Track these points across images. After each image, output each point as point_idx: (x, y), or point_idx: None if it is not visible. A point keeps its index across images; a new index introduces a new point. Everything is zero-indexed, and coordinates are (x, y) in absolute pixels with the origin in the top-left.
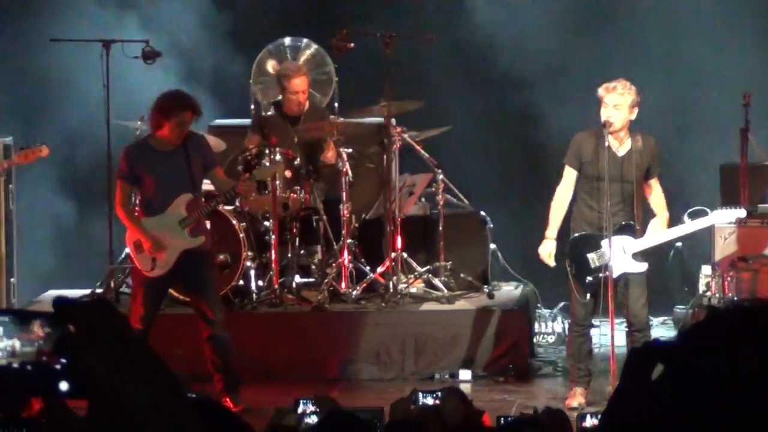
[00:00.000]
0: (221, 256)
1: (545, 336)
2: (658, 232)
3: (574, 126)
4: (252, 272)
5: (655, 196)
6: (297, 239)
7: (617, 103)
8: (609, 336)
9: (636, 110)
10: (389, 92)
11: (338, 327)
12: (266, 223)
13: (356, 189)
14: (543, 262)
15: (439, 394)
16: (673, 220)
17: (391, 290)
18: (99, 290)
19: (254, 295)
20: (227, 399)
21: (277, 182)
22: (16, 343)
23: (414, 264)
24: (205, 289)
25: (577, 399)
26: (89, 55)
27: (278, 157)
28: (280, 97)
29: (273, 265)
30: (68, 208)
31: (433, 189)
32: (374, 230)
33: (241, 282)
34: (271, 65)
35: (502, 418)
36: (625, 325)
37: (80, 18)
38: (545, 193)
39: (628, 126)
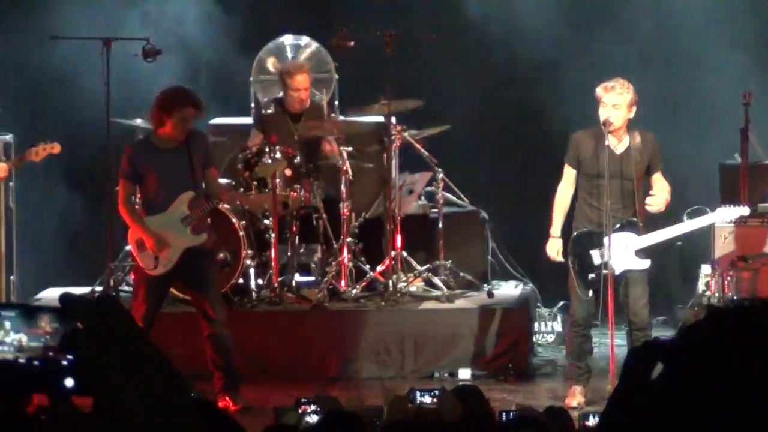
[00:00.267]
0: (221, 255)
1: (545, 335)
2: (662, 230)
3: (575, 124)
4: (252, 271)
5: (659, 185)
6: (297, 238)
7: (616, 102)
8: (609, 335)
9: (634, 109)
10: (389, 91)
11: (338, 326)
12: (266, 222)
13: (356, 187)
14: (543, 261)
15: (437, 392)
16: (673, 219)
17: (391, 289)
18: (98, 288)
19: (254, 293)
20: (227, 397)
21: (277, 180)
22: (23, 338)
23: (414, 263)
24: (206, 288)
25: (576, 398)
26: (90, 53)
27: (278, 155)
28: (281, 94)
29: (273, 263)
30: (68, 206)
31: (433, 187)
32: (374, 229)
33: (241, 280)
34: (271, 63)
35: (504, 413)
36: (625, 324)
37: (81, 15)
38: (545, 192)
39: (627, 124)
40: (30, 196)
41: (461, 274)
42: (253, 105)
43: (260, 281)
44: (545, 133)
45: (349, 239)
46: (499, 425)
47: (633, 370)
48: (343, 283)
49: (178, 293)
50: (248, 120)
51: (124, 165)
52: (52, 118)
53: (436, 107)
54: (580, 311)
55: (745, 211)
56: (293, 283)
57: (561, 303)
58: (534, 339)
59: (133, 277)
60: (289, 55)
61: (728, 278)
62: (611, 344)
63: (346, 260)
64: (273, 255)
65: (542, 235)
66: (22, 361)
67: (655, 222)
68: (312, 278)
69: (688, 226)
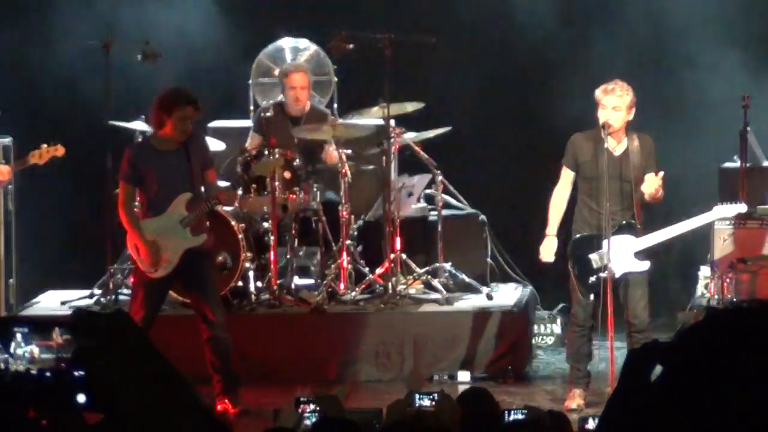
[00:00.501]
0: (220, 257)
1: (544, 337)
2: (660, 231)
3: (573, 127)
4: (251, 273)
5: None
6: (296, 240)
7: (616, 104)
8: (608, 337)
9: (633, 111)
10: (388, 93)
11: (337, 328)
12: (265, 224)
13: (355, 190)
14: (542, 264)
15: (436, 396)
16: (672, 222)
17: (390, 291)
18: (97, 291)
19: (253, 296)
20: (226, 400)
21: (277, 183)
22: (35, 350)
23: (413, 265)
24: (205, 290)
25: (576, 400)
26: (89, 55)
27: (277, 156)
28: (281, 97)
29: (272, 266)
30: (67, 209)
31: (432, 190)
32: (373, 231)
33: (240, 283)
34: (270, 66)
35: (506, 412)
36: (625, 326)
37: (80, 17)
38: (544, 195)
39: (625, 126)
40: (29, 199)
41: (460, 276)
42: (252, 108)
43: (259, 284)
44: (545, 136)
45: (348, 242)
46: (502, 426)
47: (632, 372)
48: (342, 285)
49: (177, 296)
50: (247, 123)
51: (124, 167)
52: (52, 120)
53: (436, 110)
54: (581, 313)
55: (742, 208)
56: (292, 286)
57: (560, 305)
58: (533, 341)
59: (131, 279)
60: (288, 57)
61: (727, 280)
62: (610, 347)
63: (345, 263)
64: (272, 258)
65: (541, 237)
66: (33, 372)
67: (653, 223)
68: (311, 281)
69: (686, 225)
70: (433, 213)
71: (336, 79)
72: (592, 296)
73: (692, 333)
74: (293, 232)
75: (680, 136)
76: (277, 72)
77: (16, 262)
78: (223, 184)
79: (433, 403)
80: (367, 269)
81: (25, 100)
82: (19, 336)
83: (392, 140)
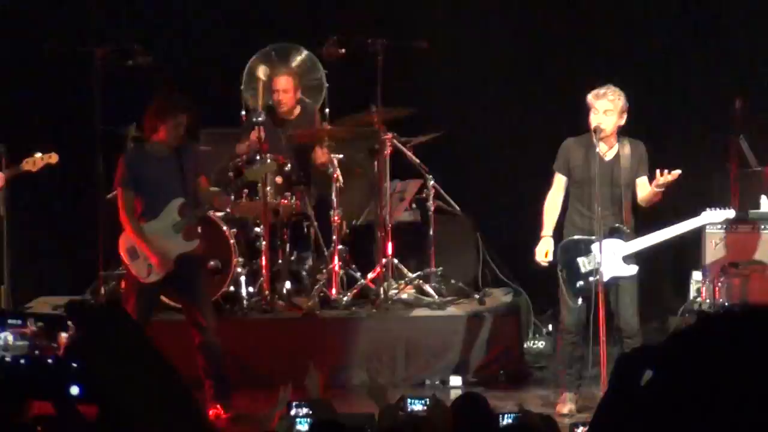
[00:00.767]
0: (212, 262)
1: (536, 342)
2: (649, 235)
3: (566, 132)
4: (243, 278)
5: (645, 188)
6: (288, 245)
7: (608, 108)
8: (599, 342)
9: (625, 116)
10: (380, 98)
11: (329, 333)
12: (257, 230)
13: (347, 195)
14: (534, 269)
15: (428, 401)
16: (662, 226)
17: (382, 296)
18: (89, 296)
19: (245, 301)
20: (218, 405)
21: (268, 188)
22: (9, 337)
23: (405, 270)
24: (197, 296)
25: (567, 405)
26: (80, 60)
27: (268, 161)
28: (271, 103)
29: (263, 271)
30: (58, 214)
31: (424, 195)
32: (365, 236)
33: (232, 288)
34: (261, 71)
35: (499, 416)
36: (615, 331)
37: (72, 22)
38: (536, 199)
39: (617, 131)
40: (20, 205)
41: (452, 281)
42: (243, 113)
43: (251, 289)
44: (536, 141)
45: (340, 247)
46: (495, 430)
47: (622, 377)
48: (334, 290)
49: (169, 301)
50: (238, 128)
51: (121, 173)
52: (42, 127)
53: (427, 114)
54: (570, 318)
55: (730, 213)
56: (284, 291)
57: (552, 310)
58: (525, 346)
59: (123, 285)
60: (279, 62)
61: (719, 285)
62: (602, 351)
63: (337, 267)
64: (264, 263)
65: (533, 242)
66: (8, 359)
67: (642, 227)
68: (303, 286)
69: (674, 230)
70: (424, 218)
71: (327, 84)
72: (580, 300)
73: (683, 338)
74: (285, 236)
75: (672, 140)
76: (265, 76)
77: (8, 268)
78: (214, 189)
79: (425, 408)
80: (359, 274)
81: (17, 106)
82: None
83: (384, 145)
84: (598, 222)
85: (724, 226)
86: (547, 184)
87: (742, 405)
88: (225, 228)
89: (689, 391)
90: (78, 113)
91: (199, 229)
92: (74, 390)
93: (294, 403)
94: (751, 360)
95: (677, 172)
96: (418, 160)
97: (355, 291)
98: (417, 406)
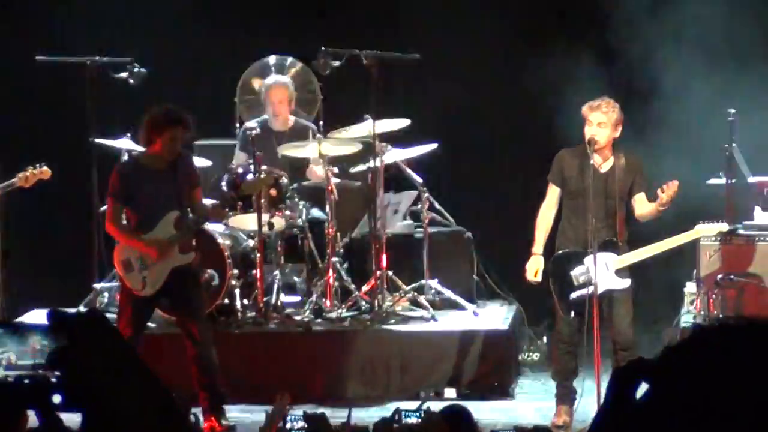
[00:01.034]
0: (206, 275)
1: (531, 354)
2: (642, 249)
3: (560, 144)
4: (237, 291)
5: (642, 205)
6: (282, 258)
7: (602, 120)
8: (594, 354)
9: (620, 128)
10: (374, 111)
11: (323, 345)
12: (251, 242)
13: (341, 207)
14: (528, 281)
15: (422, 413)
16: (655, 239)
17: (377, 309)
18: (84, 309)
19: (239, 313)
20: (213, 417)
21: (263, 201)
22: (12, 356)
23: (399, 282)
24: (192, 308)
25: (562, 418)
26: (75, 74)
27: (263, 174)
28: (266, 116)
29: (258, 283)
30: (52, 227)
31: (419, 207)
32: (359, 249)
33: (227, 301)
34: (256, 84)
35: None
36: (610, 343)
37: (65, 34)
38: (531, 211)
39: (612, 143)
40: (14, 217)
41: (447, 293)
42: (238, 125)
43: (246, 301)
44: (531, 152)
45: (334, 259)
46: None
47: (617, 390)
48: (328, 303)
49: (163, 313)
50: (233, 141)
51: (113, 185)
52: (36, 140)
53: (421, 127)
54: (565, 330)
55: (723, 227)
56: (279, 304)
57: (546, 322)
58: (520, 358)
59: (118, 298)
60: (274, 74)
61: (713, 297)
62: (596, 363)
63: (331, 280)
64: (258, 275)
65: (528, 254)
66: (10, 379)
67: (636, 241)
68: (297, 298)
69: (667, 244)
70: (419, 230)
71: (322, 96)
72: (572, 313)
73: (678, 351)
74: (279, 249)
75: (665, 152)
76: (260, 88)
77: (2, 281)
78: (208, 202)
79: (420, 420)
80: (353, 286)
81: (10, 120)
82: None
83: (378, 158)
84: (592, 234)
85: (719, 238)
86: (541, 196)
87: (738, 417)
88: (220, 241)
89: (685, 403)
90: (72, 126)
91: (195, 242)
92: (56, 398)
93: (289, 417)
94: (746, 372)
95: (675, 183)
96: (412, 173)
97: (349, 303)
98: (411, 419)
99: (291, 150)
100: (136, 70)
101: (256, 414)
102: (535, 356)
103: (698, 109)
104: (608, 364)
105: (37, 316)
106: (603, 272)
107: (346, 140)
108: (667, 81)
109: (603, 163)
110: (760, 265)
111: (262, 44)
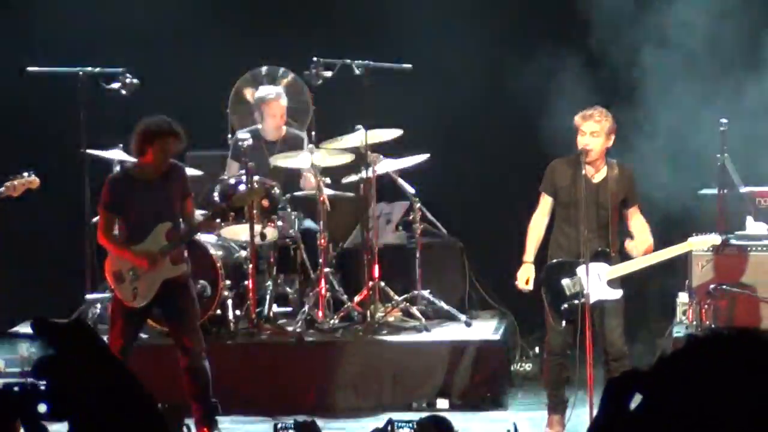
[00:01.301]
0: (199, 286)
1: (523, 364)
2: (634, 260)
3: (553, 153)
4: (229, 302)
5: (637, 223)
6: (274, 268)
7: (594, 130)
8: (586, 364)
9: (612, 137)
10: (366, 121)
11: (316, 356)
12: (243, 253)
13: (333, 218)
14: (520, 290)
15: (415, 424)
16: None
17: (369, 319)
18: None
19: (232, 324)
20: (205, 428)
21: (255, 211)
22: (1, 364)
23: (391, 293)
24: (184, 320)
25: (554, 427)
26: (65, 83)
27: (255, 185)
28: (258, 126)
29: (250, 294)
30: (44, 238)
31: (411, 218)
32: (352, 259)
33: (219, 311)
34: (248, 94)
35: None
36: (602, 354)
37: (56, 43)
38: (523, 222)
39: (605, 153)
40: (5, 227)
41: (439, 304)
42: (230, 136)
43: (238, 312)
44: (523, 163)
45: (326, 270)
46: None
47: (611, 401)
48: (320, 313)
49: (156, 324)
50: (225, 152)
51: (105, 196)
52: (27, 151)
53: (414, 137)
54: (556, 340)
55: (716, 239)
56: (271, 314)
57: (538, 332)
58: (512, 368)
59: (110, 309)
60: (266, 85)
61: (706, 307)
62: (589, 373)
63: (323, 291)
64: (250, 286)
65: (519, 265)
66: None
67: (627, 252)
68: (290, 309)
69: (659, 256)
70: (411, 240)
71: (314, 106)
72: (564, 323)
73: (671, 361)
74: (271, 260)
75: (657, 163)
76: (252, 98)
77: None
78: (200, 212)
79: (412, 431)
80: (345, 297)
81: (1, 129)
82: None
83: (370, 168)
84: (584, 244)
85: (711, 249)
86: (533, 206)
87: (731, 427)
88: (212, 251)
89: (679, 414)
90: (64, 136)
91: (186, 253)
92: (42, 408)
93: (279, 425)
94: (739, 382)
95: (631, 241)
96: (404, 183)
97: (341, 314)
98: (404, 430)
99: (283, 160)
100: (128, 80)
101: (249, 425)
102: (527, 366)
103: (688, 118)
104: (600, 374)
105: (28, 328)
106: (595, 282)
107: (337, 150)
108: (660, 90)
109: (596, 173)
110: (752, 275)
111: (254, 54)
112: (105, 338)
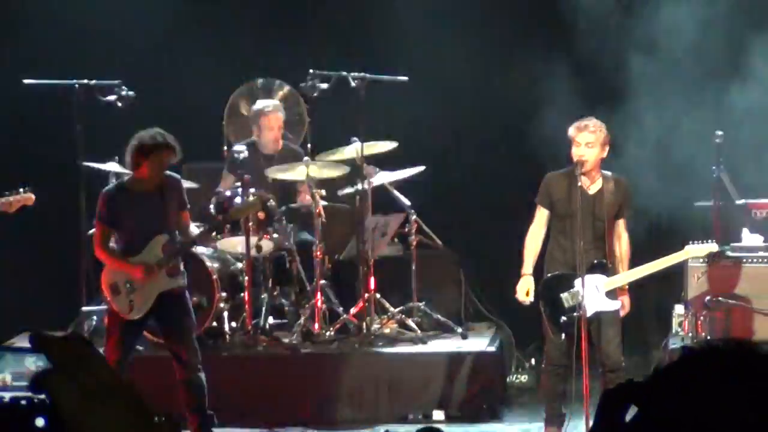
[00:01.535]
0: (195, 298)
1: (519, 376)
2: (632, 270)
3: (549, 166)
4: (226, 314)
5: (621, 241)
6: (270, 280)
7: (589, 141)
8: (583, 376)
9: (607, 148)
10: (362, 133)
11: (312, 368)
12: (239, 265)
13: (329, 230)
14: (517, 303)
15: None
16: (645, 260)
17: (365, 331)
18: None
19: (228, 336)
20: None
21: (251, 224)
22: (7, 377)
23: (387, 305)
24: (180, 332)
25: None
26: (63, 97)
27: (251, 198)
28: (254, 137)
29: (246, 306)
30: (40, 250)
31: (406, 229)
32: (347, 271)
33: (215, 324)
34: (244, 106)
35: None
36: (598, 365)
37: (52, 56)
38: (519, 234)
39: (600, 165)
40: (1, 240)
41: (435, 315)
42: (225, 148)
43: (234, 324)
44: (519, 175)
45: (322, 282)
46: None
47: (606, 413)
48: (316, 325)
49: (152, 337)
50: (220, 164)
51: (101, 209)
52: (23, 163)
53: (409, 149)
54: (553, 352)
55: (713, 247)
56: (267, 327)
57: (534, 344)
58: (508, 380)
59: (106, 321)
60: (262, 97)
61: (701, 318)
62: (585, 385)
63: (319, 303)
64: (246, 298)
65: (516, 276)
66: (6, 400)
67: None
68: (286, 321)
69: (657, 265)
70: (407, 252)
71: (309, 119)
72: (563, 336)
73: (667, 373)
74: (267, 272)
75: (656, 174)
76: (249, 111)
77: None
78: (194, 225)
79: None
80: (341, 309)
81: None
82: None
83: (366, 180)
84: (581, 256)
85: (707, 260)
86: (529, 218)
87: None
88: (208, 264)
89: (674, 426)
90: (60, 149)
91: (182, 266)
92: (39, 422)
93: None
94: (735, 395)
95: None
96: (400, 195)
97: (337, 326)
98: None
99: (279, 173)
100: (124, 93)
101: None
102: (524, 378)
103: (685, 130)
104: (597, 386)
105: (25, 341)
106: (593, 294)
107: (333, 163)
108: (654, 102)
109: (591, 184)
110: (747, 286)
111: (250, 67)
112: (101, 350)
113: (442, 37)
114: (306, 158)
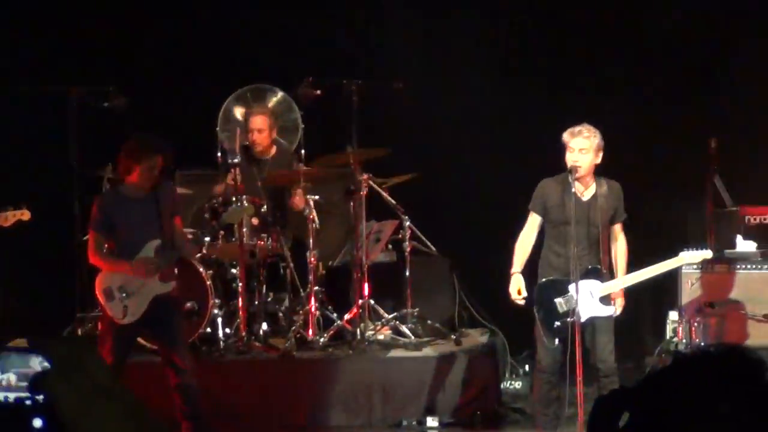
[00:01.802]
0: (189, 304)
1: (513, 382)
2: (626, 276)
3: (542, 172)
4: (219, 320)
5: (620, 240)
6: (264, 286)
7: (583, 147)
8: (576, 382)
9: (601, 154)
10: (356, 139)
11: (306, 374)
12: (233, 271)
13: (323, 236)
14: (510, 309)
15: None
16: (639, 266)
17: (359, 337)
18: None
19: (221, 342)
20: None
21: (244, 229)
22: (12, 378)
23: (381, 311)
24: (173, 337)
25: None
26: (55, 103)
27: (245, 203)
28: (248, 143)
29: (240, 312)
30: (34, 256)
31: (400, 236)
32: (341, 277)
33: (209, 329)
34: (237, 112)
35: None
36: (592, 371)
37: (48, 65)
38: (512, 240)
39: (593, 170)
40: None
41: (429, 322)
42: (219, 154)
43: (228, 330)
44: (513, 181)
45: (316, 288)
46: None
47: (599, 419)
48: (310, 331)
49: (145, 342)
50: (214, 170)
51: (95, 215)
52: (15, 169)
53: (403, 155)
54: (547, 358)
55: (707, 254)
56: (261, 332)
57: (528, 350)
58: (502, 386)
59: (99, 326)
60: (255, 103)
61: (695, 324)
62: (579, 391)
63: (313, 309)
64: (240, 304)
65: (509, 283)
66: (11, 400)
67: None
68: (280, 327)
69: (652, 271)
70: (400, 258)
71: (303, 125)
72: (557, 341)
73: (658, 378)
74: (261, 278)
75: (647, 180)
76: (242, 116)
77: None
78: (188, 230)
79: None
80: (335, 315)
81: None
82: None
83: (360, 186)
84: (575, 262)
85: (701, 266)
86: (523, 225)
87: None
88: (202, 269)
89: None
90: (54, 154)
91: (176, 271)
92: (37, 422)
93: None
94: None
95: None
96: (394, 201)
97: (331, 332)
98: None
99: (273, 178)
100: (117, 98)
101: None
102: (517, 384)
103: (681, 137)
104: (591, 391)
105: (21, 345)
106: (587, 300)
107: (327, 168)
108: (651, 108)
109: (585, 190)
110: (741, 292)
111: (244, 73)
112: None
113: (437, 43)
114: (300, 164)
